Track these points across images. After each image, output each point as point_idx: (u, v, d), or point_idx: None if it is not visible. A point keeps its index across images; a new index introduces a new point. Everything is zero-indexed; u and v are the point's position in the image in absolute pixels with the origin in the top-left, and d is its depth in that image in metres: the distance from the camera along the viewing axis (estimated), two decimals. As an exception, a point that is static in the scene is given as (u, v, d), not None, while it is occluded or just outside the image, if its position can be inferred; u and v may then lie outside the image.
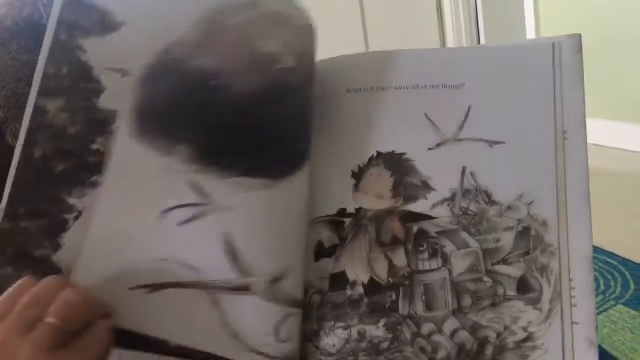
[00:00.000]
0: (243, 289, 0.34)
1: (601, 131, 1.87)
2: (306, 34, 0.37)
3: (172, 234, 0.34)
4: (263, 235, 0.35)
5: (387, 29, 2.64)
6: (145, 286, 0.34)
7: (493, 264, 0.38)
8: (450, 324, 0.38)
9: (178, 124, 0.34)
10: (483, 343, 0.37)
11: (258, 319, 0.35)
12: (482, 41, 2.55)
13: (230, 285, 0.34)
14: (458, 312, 0.38)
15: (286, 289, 0.35)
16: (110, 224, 0.35)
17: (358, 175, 0.42)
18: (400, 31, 2.63)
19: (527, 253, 0.38)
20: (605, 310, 0.97)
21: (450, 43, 2.63)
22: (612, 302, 1.00)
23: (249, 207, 0.35)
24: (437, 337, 0.38)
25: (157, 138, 0.34)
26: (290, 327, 0.36)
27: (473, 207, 0.39)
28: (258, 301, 0.35)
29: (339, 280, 0.40)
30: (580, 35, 0.41)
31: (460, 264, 0.39)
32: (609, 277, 1.08)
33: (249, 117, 0.35)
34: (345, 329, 0.39)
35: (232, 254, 0.34)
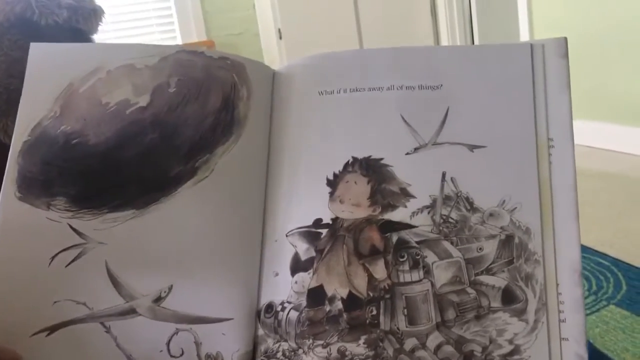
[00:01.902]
0: (129, 312, 0.38)
1: (592, 133, 1.88)
2: (160, 67, 0.41)
3: (61, 276, 0.38)
4: (137, 259, 0.39)
5: (382, 31, 2.64)
6: (44, 330, 0.37)
7: (476, 274, 0.37)
8: (434, 339, 0.36)
9: (53, 181, 0.39)
10: (468, 357, 0.35)
11: (147, 338, 0.38)
12: (476, 43, 2.56)
13: (117, 311, 0.38)
14: (441, 325, 0.36)
15: (171, 307, 0.38)
16: (5, 277, 0.38)
17: (333, 183, 0.40)
18: (394, 33, 2.64)
19: (511, 262, 0.37)
20: (597, 311, 0.97)
21: (445, 44, 2.64)
22: (604, 302, 1.00)
23: (119, 238, 0.39)
24: (420, 353, 0.36)
25: (38, 197, 0.39)
26: (182, 342, 0.38)
27: (454, 215, 0.38)
28: (145, 321, 0.38)
29: (317, 296, 0.38)
30: (565, 39, 0.39)
31: (442, 275, 0.37)
32: (601, 277, 1.09)
33: (107, 162, 0.40)
34: (324, 347, 0.37)
35: (114, 281, 0.38)
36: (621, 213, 1.35)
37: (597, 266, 1.11)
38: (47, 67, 0.41)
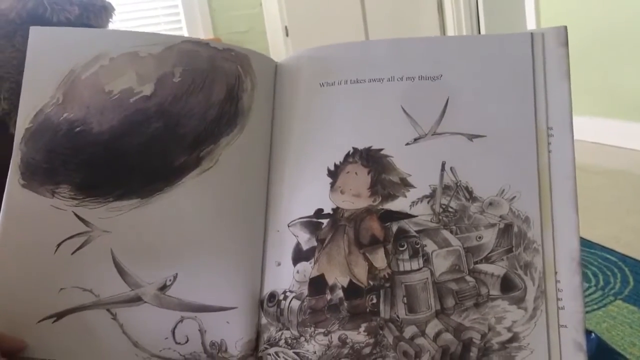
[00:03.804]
0: (135, 300, 0.38)
1: (600, 129, 1.87)
2: (164, 57, 0.41)
3: (67, 263, 0.38)
4: (142, 247, 0.39)
5: (388, 28, 2.64)
6: (50, 316, 0.38)
7: (475, 263, 0.37)
8: (433, 326, 0.36)
9: (57, 169, 0.39)
10: (467, 345, 0.36)
11: (153, 325, 0.38)
12: (483, 36, 2.53)
13: (123, 298, 0.38)
14: (441, 313, 0.36)
15: (176, 295, 0.39)
16: (10, 265, 0.38)
17: (334, 173, 0.40)
18: (401, 29, 2.63)
19: (510, 250, 0.37)
20: (604, 306, 0.97)
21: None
22: (611, 298, 1.00)
23: (124, 226, 0.39)
24: (420, 340, 0.36)
25: (42, 184, 0.39)
26: (187, 330, 0.39)
27: (453, 204, 0.38)
28: (150, 309, 0.38)
29: (318, 285, 0.38)
30: (565, 27, 0.39)
31: (441, 263, 0.37)
32: (608, 273, 1.08)
33: (111, 150, 0.40)
34: (325, 334, 0.37)
35: (120, 269, 0.39)
36: (628, 209, 1.34)
37: (604, 262, 1.11)
38: (48, 52, 0.40)
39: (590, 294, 1.01)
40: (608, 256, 1.13)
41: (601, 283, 1.04)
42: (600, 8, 1.91)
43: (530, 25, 2.20)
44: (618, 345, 0.84)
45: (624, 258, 1.12)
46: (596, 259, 1.13)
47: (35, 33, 0.40)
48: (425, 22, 2.68)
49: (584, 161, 1.63)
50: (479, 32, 2.54)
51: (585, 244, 1.18)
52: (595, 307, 0.95)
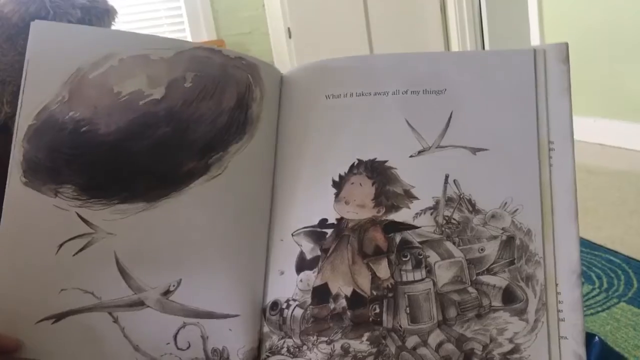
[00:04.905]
0: (138, 304, 0.38)
1: (604, 131, 1.86)
2: (176, 61, 0.41)
3: (68, 264, 0.38)
4: (146, 252, 0.39)
5: (391, 30, 2.64)
6: (50, 317, 0.38)
7: (478, 274, 0.37)
8: (435, 337, 0.37)
9: (60, 168, 0.39)
10: (469, 355, 0.36)
11: (155, 329, 0.38)
12: (487, 45, 2.55)
13: (125, 302, 0.38)
14: (443, 324, 0.37)
15: (179, 300, 0.39)
16: (10, 264, 0.38)
17: (339, 184, 0.41)
18: (404, 31, 2.63)
19: (512, 262, 0.37)
20: (608, 308, 0.97)
21: (455, 47, 2.63)
22: (615, 300, 1.00)
23: (129, 230, 0.39)
24: (422, 350, 0.37)
25: (45, 183, 0.38)
26: (189, 336, 0.38)
27: (456, 216, 0.38)
28: (153, 313, 0.38)
29: (321, 294, 0.39)
30: (566, 44, 0.40)
31: (444, 274, 0.38)
32: (612, 275, 1.08)
33: (118, 152, 0.39)
34: (328, 343, 0.38)
35: (123, 273, 0.38)
36: (632, 211, 1.33)
37: (608, 264, 1.11)
38: (52, 48, 0.40)
39: (594, 296, 1.00)
40: (612, 258, 1.13)
41: (605, 285, 1.04)
42: (605, 10, 1.91)
43: (534, 28, 2.19)
44: (622, 348, 0.84)
45: (628, 260, 1.11)
46: (600, 260, 1.13)
47: (37, 27, 0.40)
48: (427, 22, 2.68)
49: (588, 162, 1.62)
50: (482, 36, 2.54)
51: (589, 245, 1.18)
52: (599, 309, 0.95)
